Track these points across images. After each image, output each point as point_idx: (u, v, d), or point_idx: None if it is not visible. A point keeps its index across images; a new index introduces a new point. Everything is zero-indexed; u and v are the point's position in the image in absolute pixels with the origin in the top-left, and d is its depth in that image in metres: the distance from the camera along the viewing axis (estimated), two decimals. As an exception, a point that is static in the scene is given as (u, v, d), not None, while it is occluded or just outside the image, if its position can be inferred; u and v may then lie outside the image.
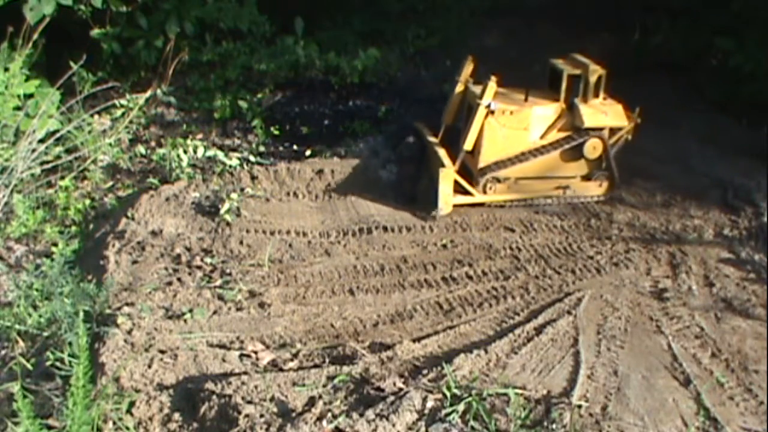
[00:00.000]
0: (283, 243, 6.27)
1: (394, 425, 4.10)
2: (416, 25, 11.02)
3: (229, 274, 5.73)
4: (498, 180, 6.93)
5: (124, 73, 9.25)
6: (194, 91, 9.05)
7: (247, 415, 4.11)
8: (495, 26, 11.66)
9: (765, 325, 5.40)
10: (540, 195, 7.09)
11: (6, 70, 6.82)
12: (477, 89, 6.88)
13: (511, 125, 6.86)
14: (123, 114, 8.07)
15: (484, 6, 12.31)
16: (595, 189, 7.18)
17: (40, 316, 4.96)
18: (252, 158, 7.68)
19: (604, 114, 6.95)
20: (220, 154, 7.51)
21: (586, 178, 7.16)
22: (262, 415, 4.15)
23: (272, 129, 8.30)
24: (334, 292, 5.64)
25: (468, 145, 6.85)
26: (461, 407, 4.29)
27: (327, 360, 4.81)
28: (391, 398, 4.30)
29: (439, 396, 4.40)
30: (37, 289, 5.34)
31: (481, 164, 6.92)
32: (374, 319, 5.34)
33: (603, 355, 4.96)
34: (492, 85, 6.68)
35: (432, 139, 7.33)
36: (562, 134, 7.01)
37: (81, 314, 4.47)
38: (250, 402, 4.24)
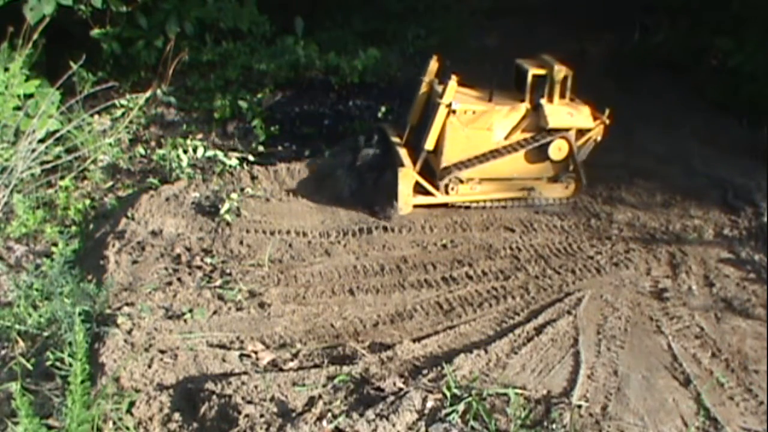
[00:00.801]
0: (283, 243, 6.27)
1: (394, 425, 4.10)
2: (416, 25, 11.03)
3: (229, 274, 5.73)
4: (460, 181, 6.84)
5: (124, 73, 9.26)
6: (194, 91, 9.05)
7: (247, 415, 4.12)
8: (495, 26, 11.67)
9: (765, 325, 5.40)
10: (504, 197, 6.98)
11: (6, 70, 6.82)
12: (441, 88, 6.78)
13: (474, 125, 6.77)
14: (123, 114, 8.07)
15: (484, 6, 12.33)
16: (562, 191, 7.08)
17: (40, 316, 4.96)
18: (252, 158, 7.68)
19: (569, 115, 6.84)
20: (220, 154, 7.51)
21: (553, 179, 7.06)
22: (262, 415, 4.15)
23: (272, 129, 8.30)
24: (334, 292, 5.64)
25: (429, 144, 6.75)
26: (461, 407, 4.30)
27: (327, 360, 4.81)
28: (391, 398, 4.30)
29: (439, 396, 4.40)
30: (37, 289, 5.34)
31: (444, 164, 6.83)
32: (374, 319, 5.34)
33: (603, 355, 4.95)
34: (452, 84, 6.59)
35: (395, 139, 7.23)
36: (527, 135, 6.90)
37: (77, 312, 4.48)
38: (250, 402, 4.24)
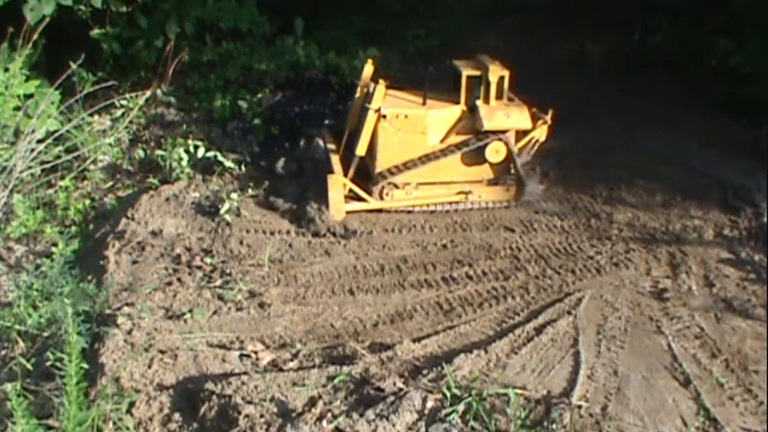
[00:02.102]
0: (283, 243, 6.26)
1: (394, 425, 4.10)
2: (416, 25, 11.03)
3: (229, 274, 5.73)
4: (395, 186, 6.75)
5: (124, 73, 9.25)
6: (194, 91, 9.04)
7: (247, 415, 4.11)
8: (495, 26, 11.67)
9: (765, 325, 5.40)
10: (441, 201, 6.88)
11: (6, 70, 6.82)
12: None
13: (407, 129, 6.67)
14: (123, 114, 8.07)
15: (484, 6, 12.33)
16: (502, 194, 6.98)
17: (40, 316, 4.96)
18: (251, 158, 7.67)
19: (505, 116, 6.70)
20: (220, 155, 7.51)
21: (493, 182, 6.97)
22: (262, 415, 4.15)
23: (272, 129, 8.29)
24: (334, 292, 5.64)
25: (360, 150, 6.68)
26: (461, 407, 4.29)
27: (327, 360, 4.81)
28: (391, 398, 4.30)
29: (439, 396, 4.40)
30: (37, 289, 5.34)
31: (378, 169, 6.75)
32: (374, 319, 5.34)
33: (603, 355, 4.95)
34: (380, 88, 6.50)
35: (330, 146, 7.13)
36: (463, 137, 6.80)
37: (70, 313, 4.46)
38: (250, 402, 4.24)
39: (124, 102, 8.24)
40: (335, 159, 6.91)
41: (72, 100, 7.46)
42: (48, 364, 4.53)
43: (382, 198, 6.77)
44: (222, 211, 6.52)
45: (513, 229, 6.65)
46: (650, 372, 4.84)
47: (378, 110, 6.58)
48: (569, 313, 5.40)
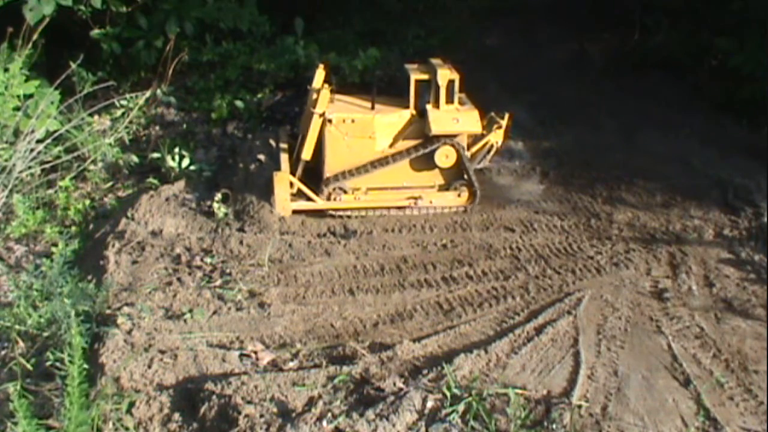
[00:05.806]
0: (283, 243, 6.27)
1: (394, 425, 4.10)
2: (416, 25, 11.03)
3: (229, 274, 5.73)
4: (344, 190, 6.70)
5: (124, 73, 9.26)
6: (194, 91, 9.05)
7: (247, 415, 4.12)
8: (495, 26, 11.68)
9: (765, 325, 5.40)
10: (390, 205, 6.82)
11: (6, 70, 6.82)
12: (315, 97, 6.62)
13: (354, 134, 6.61)
14: (123, 114, 8.07)
15: (484, 6, 12.34)
16: (454, 200, 6.89)
17: (40, 316, 4.97)
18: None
19: (454, 120, 6.58)
20: (204, 167, 7.49)
21: (444, 187, 6.89)
22: (262, 415, 4.16)
23: (271, 129, 8.29)
24: (334, 292, 5.64)
25: (305, 154, 6.65)
26: (461, 407, 4.30)
27: (327, 360, 4.81)
28: (391, 398, 4.30)
29: (439, 396, 4.40)
30: (37, 289, 5.34)
31: (327, 174, 6.70)
32: (374, 319, 5.34)
33: (603, 355, 4.96)
34: (325, 93, 6.47)
35: (283, 145, 7.10)
36: (412, 142, 6.71)
37: (73, 314, 4.47)
38: (250, 402, 4.25)
39: (124, 102, 8.24)
40: (284, 158, 6.89)
41: (72, 100, 7.46)
42: (48, 364, 4.54)
43: (329, 201, 6.75)
44: (221, 210, 6.53)
45: (513, 229, 6.64)
46: (650, 372, 4.84)
47: (323, 115, 6.53)
48: (569, 313, 5.40)
